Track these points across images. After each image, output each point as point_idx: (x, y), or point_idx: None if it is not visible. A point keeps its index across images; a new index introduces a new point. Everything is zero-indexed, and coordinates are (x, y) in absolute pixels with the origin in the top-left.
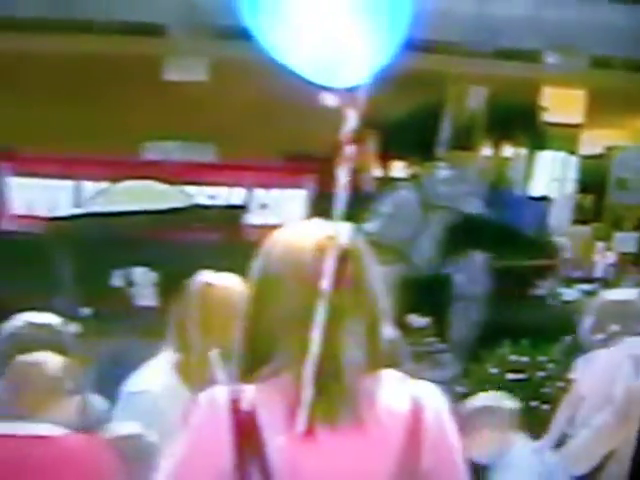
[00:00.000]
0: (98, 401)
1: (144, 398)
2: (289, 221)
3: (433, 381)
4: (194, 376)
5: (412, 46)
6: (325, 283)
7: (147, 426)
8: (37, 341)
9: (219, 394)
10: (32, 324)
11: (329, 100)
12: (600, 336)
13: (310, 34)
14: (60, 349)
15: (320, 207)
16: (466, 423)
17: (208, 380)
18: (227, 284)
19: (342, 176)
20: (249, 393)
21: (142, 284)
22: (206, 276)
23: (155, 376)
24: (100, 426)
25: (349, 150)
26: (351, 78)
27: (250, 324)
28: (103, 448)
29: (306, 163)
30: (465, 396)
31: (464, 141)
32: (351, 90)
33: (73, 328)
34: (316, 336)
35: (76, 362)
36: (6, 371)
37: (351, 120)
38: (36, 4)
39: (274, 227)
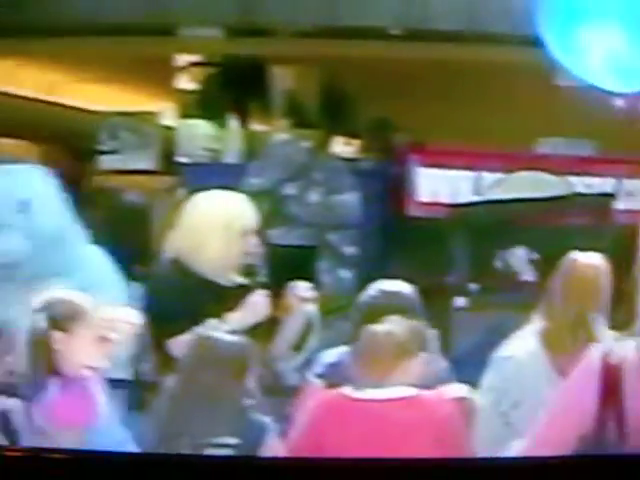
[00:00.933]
0: (439, 361)
1: (509, 363)
2: None
3: None
4: (555, 343)
5: None
6: None
7: (510, 387)
8: (389, 307)
9: (595, 349)
10: (385, 292)
11: (620, 103)
12: None
13: (603, 41)
14: (409, 313)
15: None
16: None
17: (567, 345)
18: (591, 262)
19: None
20: (618, 350)
21: (523, 263)
22: (575, 255)
23: (521, 344)
24: (439, 385)
25: None
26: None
27: None
28: (452, 405)
29: None
30: None
31: None
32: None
33: (461, 302)
34: None
35: (422, 325)
36: (360, 338)
37: None
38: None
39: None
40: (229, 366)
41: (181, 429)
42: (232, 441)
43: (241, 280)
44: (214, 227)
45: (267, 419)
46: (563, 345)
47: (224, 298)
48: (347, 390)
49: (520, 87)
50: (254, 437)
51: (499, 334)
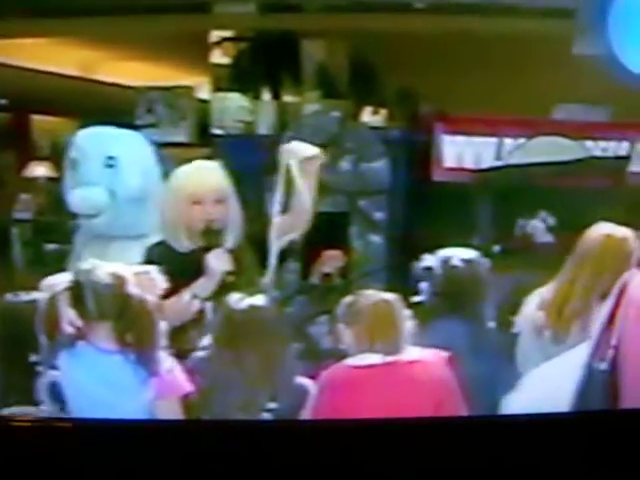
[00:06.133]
0: None
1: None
2: None
3: None
4: (554, 314)
5: None
6: None
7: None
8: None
9: None
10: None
11: None
12: None
13: None
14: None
15: None
16: None
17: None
18: (615, 233)
19: None
20: None
21: (542, 224)
22: (601, 226)
23: (525, 308)
24: None
25: None
26: None
27: None
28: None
29: None
30: None
31: None
32: None
33: (486, 263)
34: None
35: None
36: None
37: None
38: None
39: None
40: (260, 331)
41: (221, 398)
42: (273, 405)
43: (195, 245)
44: (169, 196)
45: (307, 382)
46: (565, 317)
47: (186, 264)
48: (351, 360)
49: (539, 56)
50: (295, 401)
51: (518, 295)
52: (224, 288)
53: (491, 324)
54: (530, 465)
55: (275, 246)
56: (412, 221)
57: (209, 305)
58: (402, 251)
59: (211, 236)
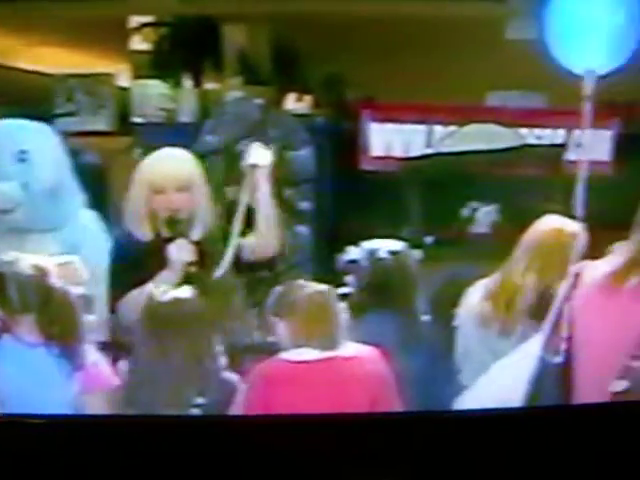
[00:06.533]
0: None
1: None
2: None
3: None
4: (503, 307)
5: None
6: None
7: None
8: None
9: None
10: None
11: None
12: None
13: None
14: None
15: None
16: None
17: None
18: (565, 227)
19: None
20: None
21: (477, 214)
22: (551, 220)
23: (469, 299)
24: None
25: None
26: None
27: None
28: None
29: (612, 108)
30: None
31: None
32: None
33: (417, 254)
34: None
35: None
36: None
37: None
38: None
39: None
40: (185, 325)
41: (148, 392)
42: (201, 401)
43: (158, 235)
44: (133, 185)
45: (235, 377)
46: (511, 306)
47: (150, 255)
48: (286, 355)
49: (471, 41)
50: (222, 396)
51: (453, 286)
52: (187, 279)
53: (425, 317)
54: (482, 461)
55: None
56: (340, 211)
57: None
58: (330, 242)
59: (173, 226)
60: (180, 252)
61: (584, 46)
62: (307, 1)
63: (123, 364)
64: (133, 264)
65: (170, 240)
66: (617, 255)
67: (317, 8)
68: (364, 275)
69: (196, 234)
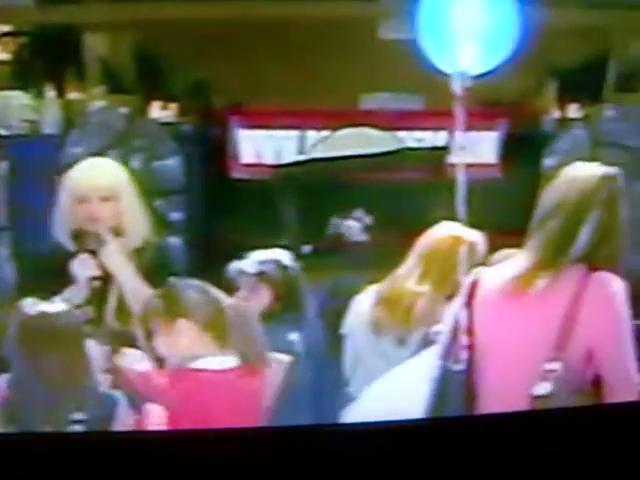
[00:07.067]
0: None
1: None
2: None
3: None
4: (394, 309)
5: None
6: None
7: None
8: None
9: None
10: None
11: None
12: None
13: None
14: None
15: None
16: None
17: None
18: (462, 235)
19: None
20: None
21: (355, 221)
22: (448, 226)
23: (357, 307)
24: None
25: None
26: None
27: None
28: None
29: (497, 108)
30: None
31: (628, 84)
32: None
33: (296, 264)
34: None
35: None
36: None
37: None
38: None
39: (471, 165)
40: (55, 339)
41: (27, 409)
42: (82, 417)
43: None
44: (60, 196)
45: (117, 393)
46: (401, 311)
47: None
48: (194, 363)
49: (343, 42)
50: (104, 412)
51: (332, 295)
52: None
53: (317, 325)
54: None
55: None
56: (213, 221)
57: None
58: (204, 253)
59: (83, 239)
60: (82, 267)
61: (454, 47)
62: (168, 8)
63: (1, 380)
64: (60, 275)
65: (85, 252)
66: (517, 260)
67: (179, 14)
68: (266, 284)
69: (130, 243)
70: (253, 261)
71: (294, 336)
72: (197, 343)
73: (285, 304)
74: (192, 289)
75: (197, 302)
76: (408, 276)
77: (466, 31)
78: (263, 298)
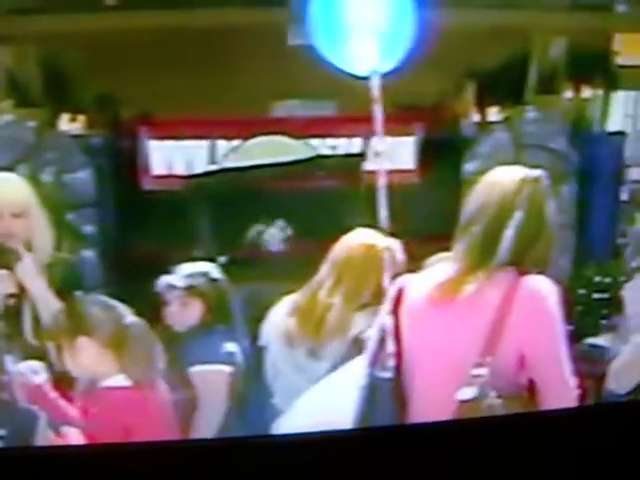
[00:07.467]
0: None
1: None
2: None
3: None
4: (306, 320)
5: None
6: None
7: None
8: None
9: None
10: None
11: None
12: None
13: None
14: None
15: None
16: None
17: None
18: (377, 243)
19: None
20: None
21: (271, 231)
22: (361, 234)
23: (272, 319)
24: None
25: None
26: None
27: None
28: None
29: (414, 112)
30: None
31: (548, 86)
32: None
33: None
34: None
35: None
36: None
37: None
38: None
39: (389, 172)
40: None
41: None
42: (1, 433)
43: None
44: None
45: (34, 407)
46: (319, 325)
47: None
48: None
49: (252, 49)
50: (22, 427)
51: (250, 307)
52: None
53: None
54: None
55: None
56: (126, 234)
57: None
58: (119, 266)
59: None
60: None
61: (348, 43)
62: (73, 19)
63: None
64: None
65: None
66: (444, 267)
67: (82, 26)
68: (196, 298)
69: (39, 259)
70: (181, 275)
71: (231, 346)
72: (98, 361)
73: (217, 316)
74: (97, 306)
75: (99, 319)
76: (320, 286)
77: (360, 26)
78: (194, 312)
